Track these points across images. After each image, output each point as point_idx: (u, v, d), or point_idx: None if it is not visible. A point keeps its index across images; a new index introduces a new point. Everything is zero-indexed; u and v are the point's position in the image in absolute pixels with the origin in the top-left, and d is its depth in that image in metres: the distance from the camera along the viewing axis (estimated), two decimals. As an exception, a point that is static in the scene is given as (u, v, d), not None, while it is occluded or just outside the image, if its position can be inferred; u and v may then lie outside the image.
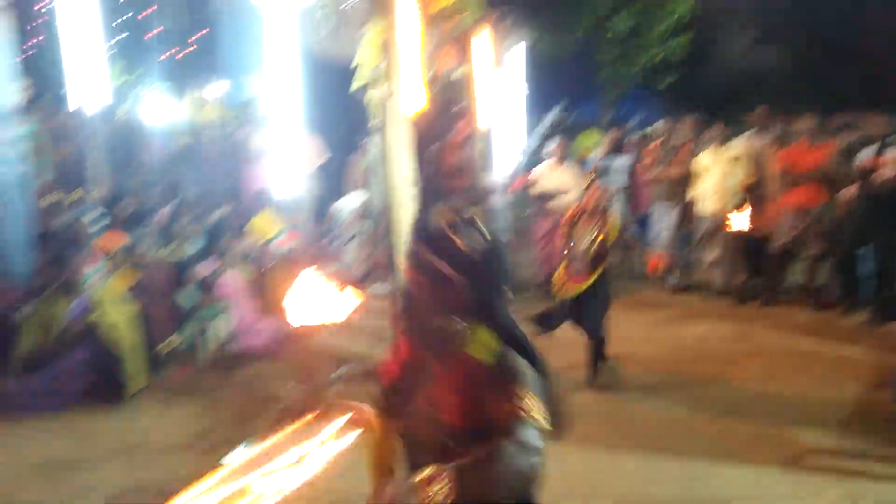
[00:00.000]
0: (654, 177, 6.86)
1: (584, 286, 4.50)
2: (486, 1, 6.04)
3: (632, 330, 5.41)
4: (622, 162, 7.43)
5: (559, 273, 4.70)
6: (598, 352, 4.65)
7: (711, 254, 6.55)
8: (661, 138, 7.22)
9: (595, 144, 8.46)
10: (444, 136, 5.04)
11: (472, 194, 5.54)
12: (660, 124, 7.94)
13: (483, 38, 6.32)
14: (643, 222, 7.20)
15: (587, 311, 4.55)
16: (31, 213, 5.31)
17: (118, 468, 3.51)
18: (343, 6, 5.81)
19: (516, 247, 7.06)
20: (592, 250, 4.49)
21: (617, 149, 7.64)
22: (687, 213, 6.65)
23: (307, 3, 5.66)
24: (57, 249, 4.79)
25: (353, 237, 6.56)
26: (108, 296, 4.45)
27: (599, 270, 4.51)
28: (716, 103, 10.24)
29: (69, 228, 5.27)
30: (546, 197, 6.49)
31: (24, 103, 5.89)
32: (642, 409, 4.23)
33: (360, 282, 6.65)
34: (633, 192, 7.46)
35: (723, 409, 4.15)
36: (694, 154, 6.56)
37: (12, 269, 4.99)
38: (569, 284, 4.58)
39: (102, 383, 4.30)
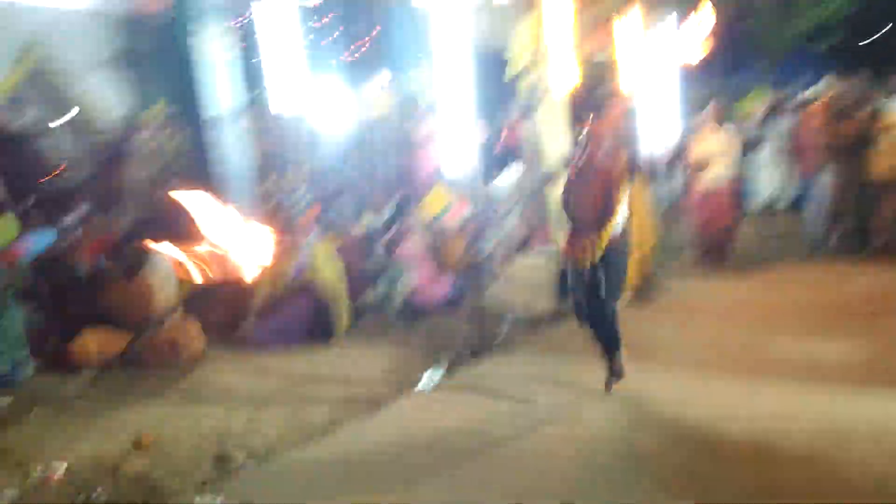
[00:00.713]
0: (825, 138, 6.71)
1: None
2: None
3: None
4: (783, 125, 7.41)
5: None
6: (608, 355, 3.92)
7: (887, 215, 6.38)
8: (828, 99, 7.07)
9: (757, 107, 8.45)
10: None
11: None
12: (824, 85, 7.79)
13: (633, 14, 6.68)
14: (807, 186, 7.18)
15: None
16: (251, 196, 6.62)
17: (335, 387, 4.48)
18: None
19: (673, 217, 7.36)
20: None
21: (777, 111, 7.63)
22: (860, 174, 6.46)
23: (470, 2, 6.37)
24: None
25: (512, 209, 7.27)
26: (319, 257, 5.54)
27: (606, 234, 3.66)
28: (884, 61, 9.69)
29: (286, 205, 6.51)
30: (701, 163, 6.71)
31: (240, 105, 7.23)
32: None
33: (519, 249, 7.39)
34: (796, 155, 7.41)
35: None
36: (868, 113, 6.41)
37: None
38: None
39: (317, 326, 5.40)
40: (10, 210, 6.63)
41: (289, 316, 5.40)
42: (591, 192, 3.73)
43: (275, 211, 6.37)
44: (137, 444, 3.66)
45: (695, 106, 8.05)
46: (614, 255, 3.75)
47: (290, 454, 3.62)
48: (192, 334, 5.03)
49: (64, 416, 4.12)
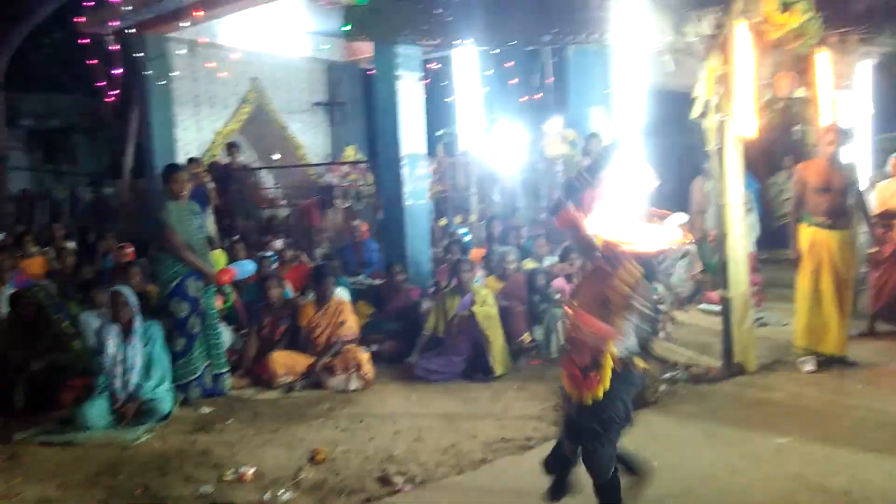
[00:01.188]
0: None
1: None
2: (823, 24, 6.09)
3: None
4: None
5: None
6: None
7: None
8: None
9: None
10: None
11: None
12: None
13: (823, 59, 6.34)
14: None
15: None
16: (430, 233, 7.12)
17: (491, 424, 4.69)
18: (685, 43, 6.43)
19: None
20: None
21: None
22: None
23: (653, 44, 6.39)
24: (449, 259, 6.39)
25: (682, 256, 7.11)
26: (482, 296, 5.83)
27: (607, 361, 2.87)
28: None
29: (456, 243, 6.92)
30: (887, 216, 6.22)
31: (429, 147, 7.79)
32: None
33: (688, 300, 7.19)
34: None
35: None
36: None
37: (419, 273, 6.80)
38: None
39: (477, 364, 5.67)
40: (222, 239, 7.68)
41: (452, 350, 5.72)
42: (590, 301, 3.00)
43: (449, 248, 6.81)
44: (313, 458, 4.12)
45: (884, 153, 7.45)
46: (617, 389, 2.89)
47: (445, 482, 3.87)
48: (364, 361, 5.50)
49: (254, 426, 4.73)
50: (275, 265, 6.77)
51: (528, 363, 6.00)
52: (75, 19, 9.36)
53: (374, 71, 7.68)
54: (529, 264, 6.96)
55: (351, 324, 5.72)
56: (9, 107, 11.88)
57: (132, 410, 4.75)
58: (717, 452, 4.04)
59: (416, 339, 6.03)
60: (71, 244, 8.05)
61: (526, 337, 6.07)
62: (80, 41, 9.37)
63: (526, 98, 11.08)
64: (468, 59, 10.18)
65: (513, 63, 10.62)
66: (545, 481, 3.30)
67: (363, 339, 5.95)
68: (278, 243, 8.21)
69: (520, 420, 4.73)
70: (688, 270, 7.09)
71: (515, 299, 6.23)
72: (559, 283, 6.53)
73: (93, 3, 9.29)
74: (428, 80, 7.93)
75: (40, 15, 11.32)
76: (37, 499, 3.80)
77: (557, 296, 6.37)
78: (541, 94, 10.90)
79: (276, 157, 11.36)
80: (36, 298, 5.67)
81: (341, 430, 4.63)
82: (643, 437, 4.27)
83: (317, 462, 4.09)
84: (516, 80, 10.72)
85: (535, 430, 4.51)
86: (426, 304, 6.19)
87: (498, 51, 9.51)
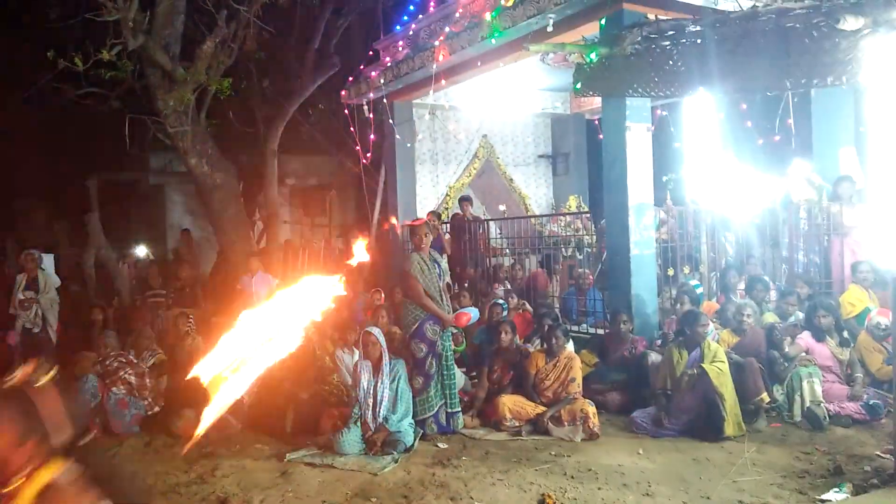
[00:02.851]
0: None
1: None
2: None
3: None
4: None
5: None
6: None
7: None
8: None
9: None
10: None
11: None
12: None
13: None
14: None
15: None
16: (657, 283, 7.01)
17: (724, 487, 4.48)
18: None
19: None
20: None
21: None
22: None
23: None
24: (678, 311, 6.24)
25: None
26: (712, 350, 5.60)
27: None
28: None
29: (685, 294, 6.74)
30: None
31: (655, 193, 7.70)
32: None
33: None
34: None
35: None
36: None
37: (645, 324, 6.72)
38: None
39: (707, 421, 5.43)
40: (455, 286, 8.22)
41: (680, 404, 5.55)
42: None
43: (677, 298, 6.64)
44: (544, 502, 4.27)
45: None
46: None
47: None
48: (591, 415, 5.55)
49: (486, 465, 5.01)
50: (506, 312, 7.11)
51: (767, 425, 5.62)
52: (341, 92, 10.84)
53: (599, 121, 7.85)
54: (769, 318, 6.54)
55: (579, 380, 5.84)
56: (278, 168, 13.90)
57: (380, 440, 5.29)
58: None
59: (642, 392, 5.95)
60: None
61: (764, 397, 5.69)
62: (342, 110, 10.82)
63: (763, 140, 10.48)
64: (699, 102, 9.93)
65: (748, 105, 10.15)
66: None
67: (587, 389, 6.02)
68: (501, 291, 8.60)
69: (759, 485, 4.46)
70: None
71: (752, 355, 5.88)
72: (805, 340, 6.06)
73: (352, 79, 10.68)
74: (654, 127, 7.89)
75: (310, 90, 13.24)
76: (305, 511, 4.40)
77: (803, 354, 5.92)
78: (780, 136, 10.24)
79: (502, 207, 11.93)
80: (303, 336, 6.57)
81: (569, 477, 4.73)
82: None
83: (546, 507, 4.23)
84: (751, 123, 10.19)
85: (776, 498, 4.24)
86: (652, 357, 6.10)
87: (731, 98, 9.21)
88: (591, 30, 7.13)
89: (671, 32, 5.45)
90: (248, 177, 13.13)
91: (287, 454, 5.33)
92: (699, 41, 5.21)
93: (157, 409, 6.41)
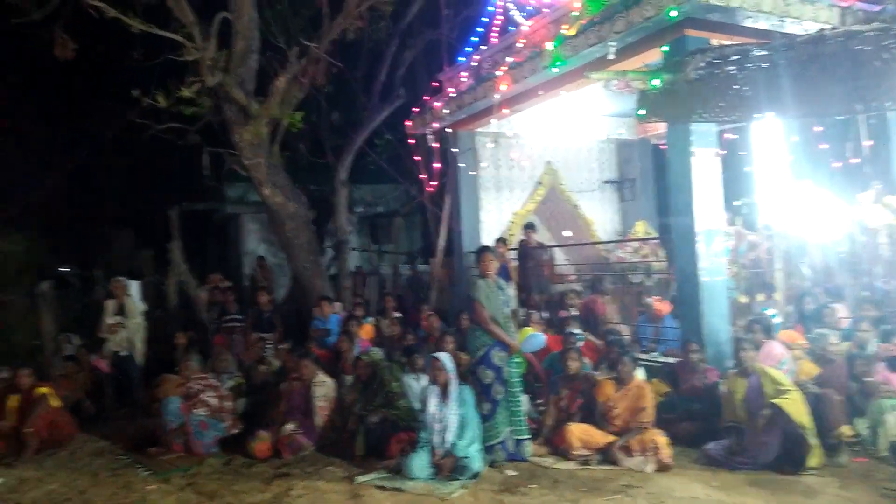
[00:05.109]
0: None
1: None
2: None
3: None
4: None
5: None
6: None
7: None
8: None
9: None
10: None
11: None
12: None
13: None
14: None
15: None
16: (727, 311, 6.86)
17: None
18: None
19: None
20: None
21: None
22: None
23: None
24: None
25: None
26: (772, 378, 5.44)
27: None
28: None
29: (758, 322, 6.57)
30: None
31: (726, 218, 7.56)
32: None
33: None
34: None
35: None
36: None
37: (717, 353, 6.58)
38: None
39: (785, 454, 5.25)
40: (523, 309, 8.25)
41: (756, 440, 5.39)
42: None
43: (750, 327, 6.48)
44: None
45: None
46: None
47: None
48: (663, 445, 5.46)
49: (555, 493, 4.99)
50: (578, 341, 7.08)
51: (850, 459, 5.39)
52: (406, 123, 11.14)
53: (665, 146, 7.78)
54: (846, 347, 6.30)
55: (650, 410, 5.75)
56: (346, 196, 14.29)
57: (448, 465, 5.35)
58: None
59: (715, 422, 5.81)
60: (397, 314, 9.33)
61: (846, 430, 5.48)
62: (407, 140, 11.10)
63: (839, 164, 10.16)
64: (769, 126, 9.70)
65: (822, 128, 9.87)
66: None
67: (658, 418, 5.92)
68: (568, 317, 8.55)
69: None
70: None
71: (835, 386, 5.67)
72: (882, 371, 5.80)
73: (417, 110, 10.96)
74: (724, 152, 7.77)
75: (377, 122, 13.64)
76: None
77: (883, 385, 5.68)
78: (857, 159, 9.91)
79: (568, 234, 11.90)
80: (372, 360, 6.74)
81: (638, 508, 4.67)
82: None
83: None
84: (826, 146, 9.90)
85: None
86: (723, 387, 5.96)
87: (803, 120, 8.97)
88: (653, 56, 7.13)
89: (736, 57, 5.40)
90: (318, 205, 13.56)
91: (357, 476, 5.46)
92: (765, 65, 5.15)
93: (234, 431, 6.66)
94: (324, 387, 6.65)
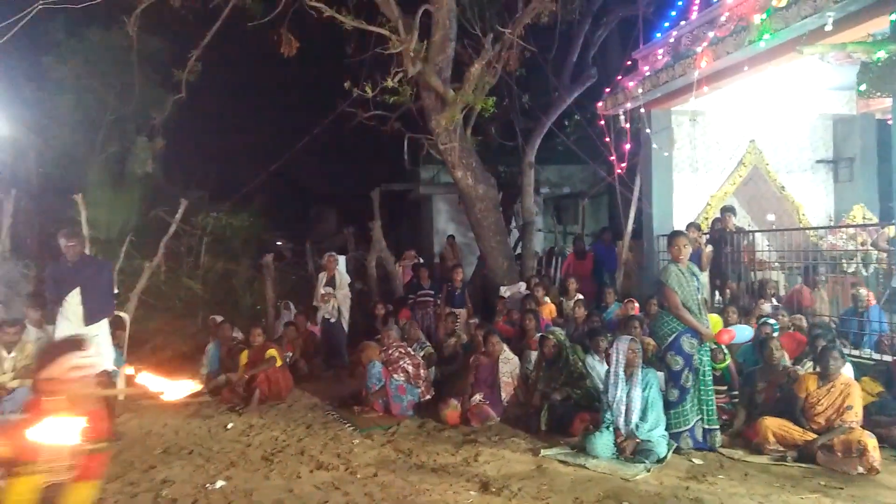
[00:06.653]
0: None
1: None
2: None
3: None
4: None
5: None
6: None
7: None
8: None
9: None
10: None
11: None
12: None
13: None
14: None
15: None
16: None
17: None
18: None
19: None
20: None
21: None
22: None
23: None
24: None
25: None
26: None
27: None
28: None
29: None
30: None
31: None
32: None
33: None
34: None
35: None
36: None
37: None
38: None
39: None
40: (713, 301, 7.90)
41: None
42: None
43: None
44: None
45: None
46: None
47: None
48: (871, 448, 5.02)
49: (744, 486, 4.84)
50: (776, 331, 6.70)
51: None
52: (597, 103, 11.03)
53: (892, 121, 7.02)
54: None
55: (858, 409, 5.32)
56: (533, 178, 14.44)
57: (631, 447, 5.38)
58: None
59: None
60: (580, 296, 9.37)
61: None
62: (596, 121, 10.99)
63: None
64: None
65: None
66: None
67: (867, 419, 5.45)
68: (767, 307, 8.05)
69: None
70: None
71: None
72: None
73: (609, 90, 10.80)
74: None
75: (567, 103, 13.63)
76: (559, 505, 4.67)
77: None
78: None
79: (771, 218, 11.08)
80: (557, 339, 6.88)
81: (838, 508, 4.39)
82: None
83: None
84: None
85: None
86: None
87: None
88: (879, 25, 6.42)
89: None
90: (505, 187, 13.87)
91: (542, 450, 5.66)
92: None
93: (427, 397, 7.19)
94: (509, 363, 6.93)
